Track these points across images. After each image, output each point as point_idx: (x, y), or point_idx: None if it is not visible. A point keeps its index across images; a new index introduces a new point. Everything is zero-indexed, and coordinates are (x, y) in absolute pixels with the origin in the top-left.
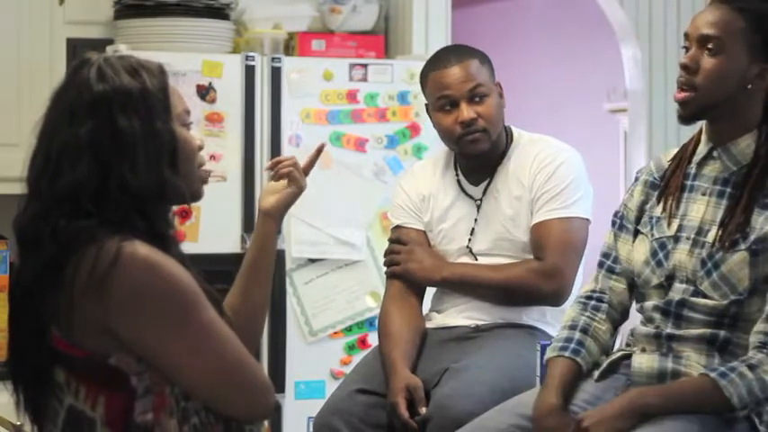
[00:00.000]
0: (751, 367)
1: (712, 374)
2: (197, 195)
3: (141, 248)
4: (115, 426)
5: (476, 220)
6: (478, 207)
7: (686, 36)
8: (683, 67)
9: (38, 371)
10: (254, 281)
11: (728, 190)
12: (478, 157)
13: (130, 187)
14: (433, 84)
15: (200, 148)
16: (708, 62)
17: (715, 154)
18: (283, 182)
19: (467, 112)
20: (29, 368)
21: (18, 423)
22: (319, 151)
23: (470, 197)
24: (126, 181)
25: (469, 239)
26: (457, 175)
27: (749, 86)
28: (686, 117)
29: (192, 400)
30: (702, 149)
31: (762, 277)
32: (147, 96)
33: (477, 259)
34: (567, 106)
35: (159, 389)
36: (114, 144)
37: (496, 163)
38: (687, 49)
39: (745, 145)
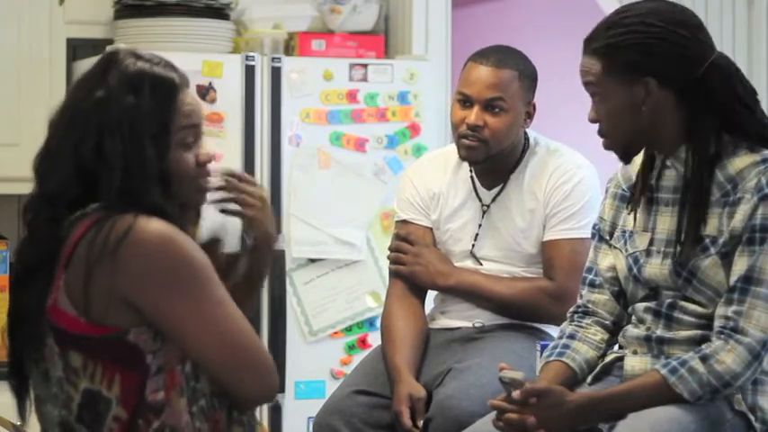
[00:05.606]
0: (704, 359)
1: (662, 371)
2: None
3: (155, 223)
4: (128, 405)
5: (480, 225)
6: (484, 212)
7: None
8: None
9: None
10: (249, 296)
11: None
12: (484, 163)
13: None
14: (464, 73)
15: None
16: (601, 113)
17: (669, 163)
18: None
19: (475, 116)
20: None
21: (18, 423)
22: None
23: (480, 200)
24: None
25: (473, 245)
26: (471, 173)
27: (643, 108)
28: (625, 160)
29: (200, 379)
30: (658, 162)
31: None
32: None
33: (481, 264)
34: (567, 105)
35: (170, 367)
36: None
37: (510, 169)
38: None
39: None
